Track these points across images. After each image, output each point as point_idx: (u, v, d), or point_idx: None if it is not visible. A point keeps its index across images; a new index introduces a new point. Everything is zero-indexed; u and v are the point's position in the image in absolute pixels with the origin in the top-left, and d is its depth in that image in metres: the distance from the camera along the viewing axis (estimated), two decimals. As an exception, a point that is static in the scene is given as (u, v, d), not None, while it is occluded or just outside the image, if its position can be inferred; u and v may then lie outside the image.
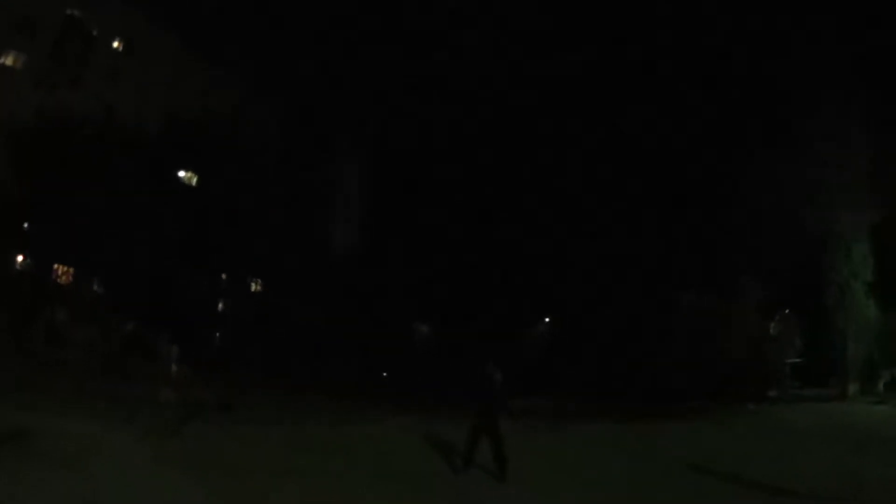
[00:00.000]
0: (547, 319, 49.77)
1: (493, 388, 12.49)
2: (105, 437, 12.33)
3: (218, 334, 47.13)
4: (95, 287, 41.24)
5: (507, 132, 48.49)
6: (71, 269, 42.48)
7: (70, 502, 8.00)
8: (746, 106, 38.89)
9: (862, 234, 32.14)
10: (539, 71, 48.14)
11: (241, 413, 18.60)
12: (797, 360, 37.28)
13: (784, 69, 35.56)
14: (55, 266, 42.18)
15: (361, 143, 52.45)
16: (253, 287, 51.77)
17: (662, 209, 42.59)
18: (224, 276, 48.12)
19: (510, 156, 48.19)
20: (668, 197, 42.65)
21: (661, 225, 42.33)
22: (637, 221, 42.81)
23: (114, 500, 8.36)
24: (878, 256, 32.36)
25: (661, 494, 11.43)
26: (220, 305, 48.96)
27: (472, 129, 48.06)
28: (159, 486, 9.35)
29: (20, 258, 41.89)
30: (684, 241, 41.43)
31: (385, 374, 42.72)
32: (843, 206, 31.77)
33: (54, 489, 8.34)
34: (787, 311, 37.50)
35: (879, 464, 13.06)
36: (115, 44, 48.69)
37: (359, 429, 18.33)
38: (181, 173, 46.69)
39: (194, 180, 47.76)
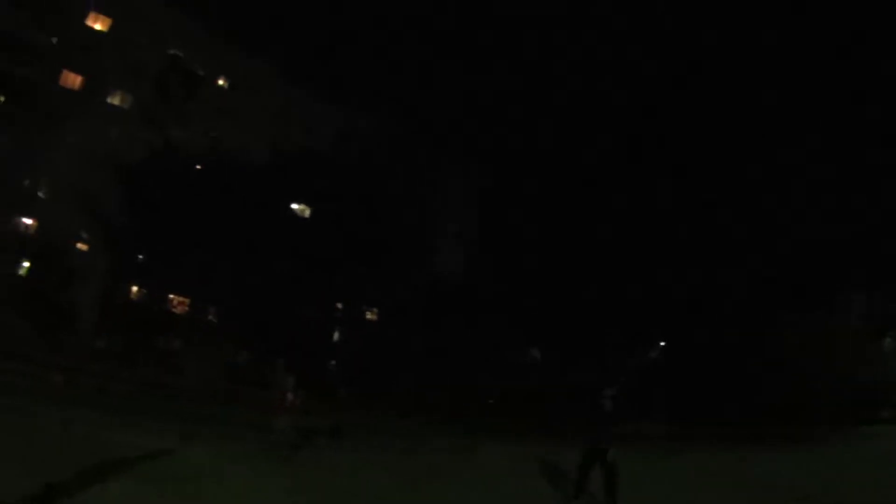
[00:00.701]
0: (662, 343, 48.29)
1: (604, 416, 11.82)
2: (219, 462, 12.37)
3: (333, 362, 47.63)
4: (210, 317, 42.35)
5: (620, 149, 47.58)
6: (186, 300, 43.76)
7: None
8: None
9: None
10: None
11: (353, 439, 18.51)
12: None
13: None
14: (170, 296, 43.51)
15: (472, 160, 52.32)
16: (368, 315, 52.13)
17: (775, 225, 40.80)
18: (339, 304, 48.75)
19: (627, 178, 47.08)
20: (781, 211, 40.83)
21: (771, 242, 40.58)
22: (749, 239, 41.16)
23: None
24: None
25: None
26: (336, 335, 49.49)
27: (584, 138, 47.31)
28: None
29: (135, 289, 43.40)
30: (793, 257, 39.57)
31: (492, 400, 41.85)
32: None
33: None
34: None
35: None
36: (221, 81, 50.26)
37: (468, 455, 17.96)
38: (294, 205, 47.63)
39: (307, 212, 48.62)
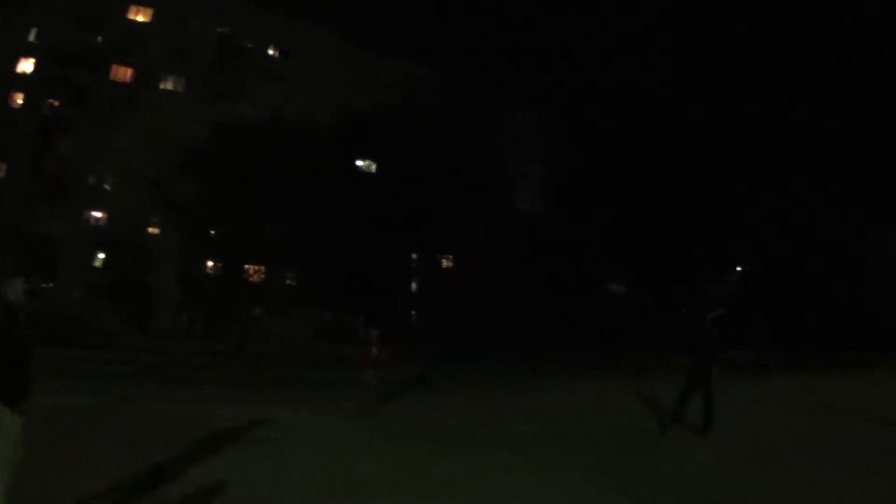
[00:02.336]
0: (739, 269, 47.54)
1: (710, 343, 11.80)
2: (311, 422, 12.65)
3: (413, 312, 48.15)
4: (288, 281, 43.14)
5: (700, 85, 46.43)
6: (262, 268, 44.63)
7: (283, 488, 7.91)
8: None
9: None
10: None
11: (439, 386, 18.75)
12: None
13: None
14: (246, 266, 44.43)
15: (541, 100, 51.58)
16: (444, 263, 52.43)
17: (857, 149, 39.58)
18: (414, 255, 49.12)
19: (707, 107, 46.00)
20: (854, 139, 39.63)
21: (856, 164, 39.39)
22: (833, 160, 40.02)
23: (326, 482, 8.25)
24: None
25: (845, 454, 10.27)
26: (414, 285, 49.95)
27: (658, 82, 46.32)
28: (368, 466, 9.23)
29: (210, 263, 44.44)
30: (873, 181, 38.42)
31: (579, 337, 41.85)
32: None
33: (267, 477, 8.35)
34: None
35: None
36: (271, 51, 50.42)
37: (557, 393, 18.15)
38: (359, 162, 47.85)
39: (373, 167, 48.84)
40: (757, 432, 12.03)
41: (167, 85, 47.14)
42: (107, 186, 44.73)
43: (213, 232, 42.36)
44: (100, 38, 46.06)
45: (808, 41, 44.16)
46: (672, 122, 46.87)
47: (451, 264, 52.21)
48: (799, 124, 42.49)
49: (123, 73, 46.84)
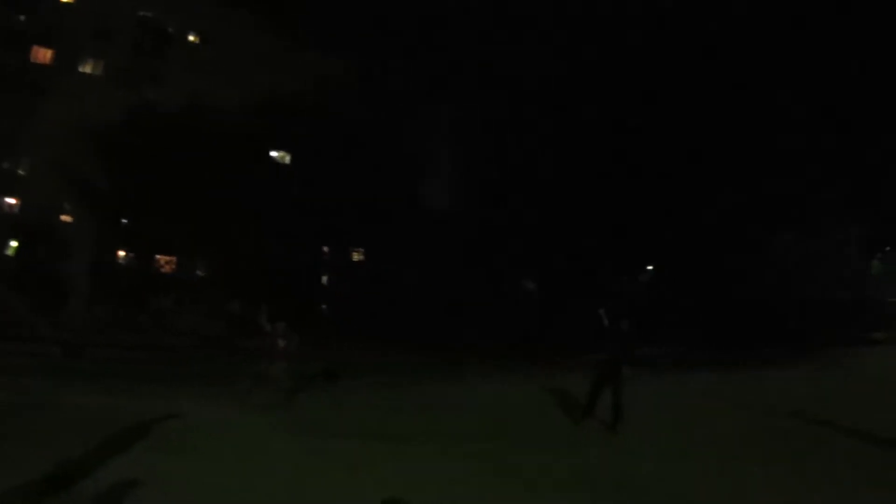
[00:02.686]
0: (650, 268, 49.04)
1: (622, 338, 12.45)
2: (214, 415, 12.73)
3: (324, 306, 48.18)
4: (198, 272, 42.72)
5: (612, 80, 47.26)
6: (173, 258, 44.06)
7: (194, 484, 8.17)
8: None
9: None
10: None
11: (349, 382, 19.08)
12: (901, 299, 35.87)
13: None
14: (157, 257, 43.82)
15: (457, 97, 51.93)
16: (355, 256, 52.55)
17: (756, 147, 41.09)
18: (326, 248, 49.07)
19: (613, 103, 46.91)
20: (760, 134, 41.08)
21: (756, 164, 40.90)
22: (732, 163, 41.47)
23: (235, 477, 8.55)
24: None
25: (771, 447, 11.07)
26: (324, 278, 49.94)
27: (571, 78, 46.93)
28: (275, 460, 9.58)
29: (122, 253, 43.64)
30: (785, 181, 40.01)
31: (491, 332, 42.64)
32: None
33: (178, 473, 8.57)
34: (888, 249, 36.06)
35: None
36: (192, 37, 49.63)
37: (468, 387, 18.52)
38: (273, 153, 47.55)
39: (287, 158, 48.57)
40: (664, 427, 12.58)
41: (87, 68, 45.93)
42: (21, 171, 43.43)
43: (125, 221, 41.65)
44: (22, 18, 44.60)
45: (706, 39, 45.32)
46: (585, 122, 47.84)
47: (362, 258, 52.49)
48: (708, 127, 43.75)
49: (43, 55, 45.47)
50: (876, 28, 33.31)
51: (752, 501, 8.31)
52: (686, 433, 12.16)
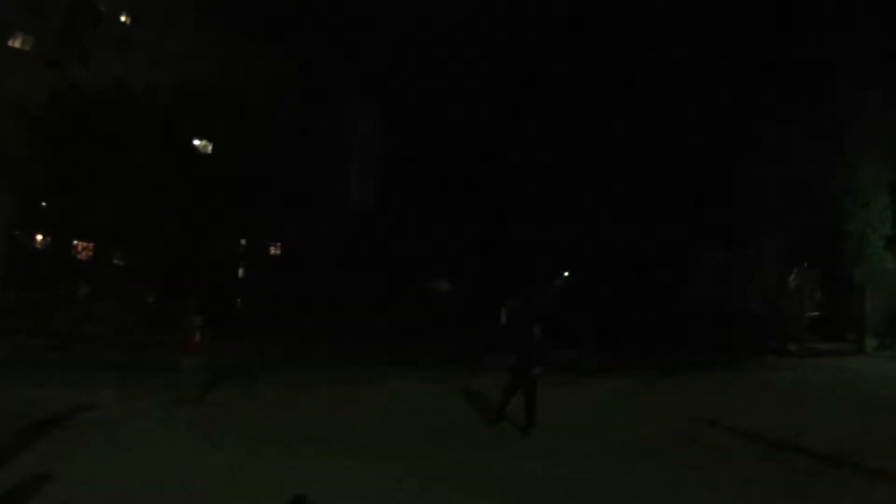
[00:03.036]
0: (566, 274, 49.96)
1: (534, 342, 12.64)
2: (129, 407, 12.61)
3: (239, 300, 47.61)
4: (116, 260, 41.72)
5: (521, 86, 48.10)
6: (91, 245, 42.92)
7: (98, 474, 8.13)
8: (768, 65, 38.58)
9: (881, 189, 31.92)
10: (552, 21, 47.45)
11: (263, 377, 18.89)
12: (816, 313, 37.36)
13: (806, 31, 35.30)
14: (75, 242, 42.64)
15: (378, 99, 52.18)
16: (272, 250, 52.11)
17: (680, 166, 42.39)
18: (243, 241, 48.53)
19: (529, 112, 47.82)
20: (686, 154, 42.39)
21: (679, 182, 42.20)
22: (656, 178, 42.69)
23: (140, 470, 8.50)
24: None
25: (671, 450, 11.40)
26: (241, 271, 49.38)
27: (483, 84, 47.63)
28: (182, 454, 9.52)
29: (39, 237, 42.35)
30: (704, 197, 41.36)
31: (406, 332, 42.79)
32: (863, 161, 31.61)
33: (82, 463, 8.53)
34: (805, 265, 37.50)
35: (887, 421, 13.04)
36: (123, 17, 48.61)
37: (381, 387, 18.55)
38: (196, 141, 46.84)
39: (209, 148, 47.91)
40: (575, 431, 12.81)
41: (16, 43, 44.45)
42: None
43: (44, 203, 40.43)
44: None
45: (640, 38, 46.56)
46: (505, 126, 48.76)
47: (278, 252, 52.17)
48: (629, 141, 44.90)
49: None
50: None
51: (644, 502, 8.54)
52: (595, 436, 12.42)
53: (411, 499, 8.18)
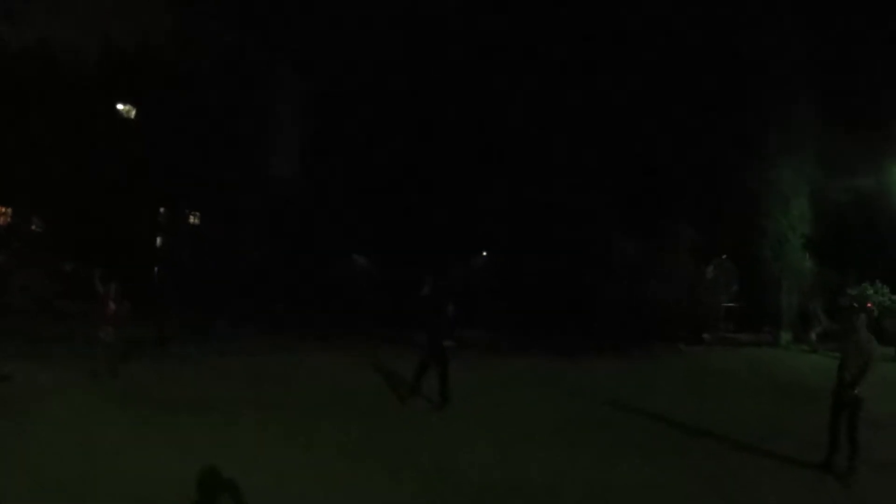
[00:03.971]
0: (484, 254, 50.50)
1: (445, 319, 12.75)
2: (44, 379, 12.46)
3: (156, 269, 46.75)
4: (34, 227, 40.36)
5: (444, 61, 48.09)
6: (8, 210, 41.42)
7: (15, 450, 8.03)
8: (691, 58, 39.17)
9: (802, 190, 32.85)
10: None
11: (179, 348, 18.97)
12: (732, 304, 38.40)
13: (730, 27, 35.87)
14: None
15: (304, 71, 51.61)
16: (192, 220, 51.20)
17: (598, 152, 42.92)
18: (162, 210, 47.60)
19: (452, 87, 47.93)
20: (604, 140, 42.93)
21: (597, 167, 42.71)
22: (573, 164, 43.15)
23: (52, 442, 8.38)
24: (817, 213, 33.21)
25: (580, 430, 11.63)
26: (159, 241, 48.48)
27: (409, 59, 47.54)
28: (97, 426, 9.41)
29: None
30: (620, 184, 41.96)
31: (323, 306, 42.59)
32: (785, 161, 32.45)
33: (7, 435, 8.50)
34: (724, 257, 38.47)
35: (800, 411, 13.35)
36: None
37: (298, 360, 18.60)
38: (119, 106, 45.56)
39: (133, 113, 46.70)
40: (489, 408, 12.97)
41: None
42: None
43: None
44: None
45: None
46: (427, 105, 48.82)
47: (198, 222, 51.29)
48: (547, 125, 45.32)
49: None
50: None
51: (547, 481, 8.60)
52: (506, 416, 12.54)
53: (324, 473, 8.19)
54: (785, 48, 32.49)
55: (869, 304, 29.19)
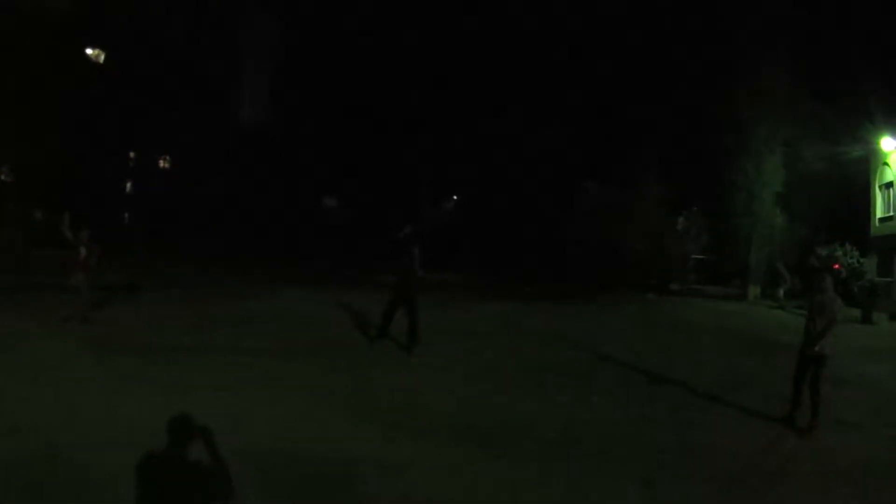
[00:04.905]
0: (455, 197, 50.65)
1: (413, 260, 12.72)
2: (17, 327, 12.46)
3: (126, 215, 46.37)
4: (3, 176, 39.73)
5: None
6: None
7: None
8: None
9: (775, 148, 32.96)
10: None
11: (149, 294, 18.98)
12: (702, 256, 38.76)
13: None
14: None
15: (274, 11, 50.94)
16: (161, 164, 50.73)
17: (569, 97, 42.89)
18: (132, 154, 47.07)
19: (420, 30, 47.73)
20: (574, 86, 42.88)
21: (566, 114, 42.70)
22: (544, 110, 43.13)
23: (37, 390, 8.40)
24: (791, 173, 33.38)
25: (547, 373, 11.82)
26: (129, 186, 48.01)
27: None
28: (67, 372, 9.43)
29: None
30: (590, 132, 41.97)
31: (294, 249, 42.57)
32: (761, 116, 32.46)
33: None
34: (694, 208, 38.72)
35: (765, 365, 13.60)
36: None
37: (269, 303, 18.79)
38: (88, 50, 44.70)
39: (101, 57, 45.85)
40: (458, 351, 13.18)
41: None
42: None
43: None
44: None
45: None
46: (395, 52, 48.58)
47: (168, 166, 50.86)
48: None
49: None
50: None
51: (519, 419, 8.65)
52: (477, 358, 12.75)
53: (300, 416, 8.25)
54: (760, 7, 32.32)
55: (836, 266, 29.67)
